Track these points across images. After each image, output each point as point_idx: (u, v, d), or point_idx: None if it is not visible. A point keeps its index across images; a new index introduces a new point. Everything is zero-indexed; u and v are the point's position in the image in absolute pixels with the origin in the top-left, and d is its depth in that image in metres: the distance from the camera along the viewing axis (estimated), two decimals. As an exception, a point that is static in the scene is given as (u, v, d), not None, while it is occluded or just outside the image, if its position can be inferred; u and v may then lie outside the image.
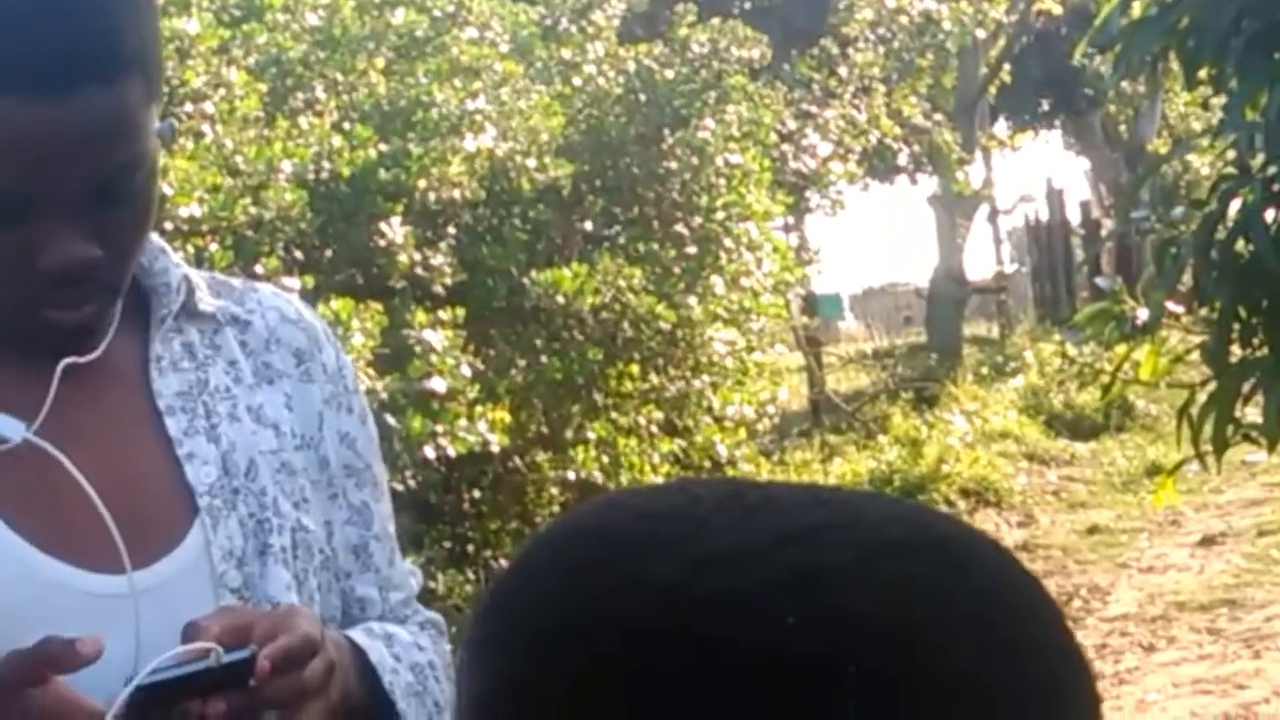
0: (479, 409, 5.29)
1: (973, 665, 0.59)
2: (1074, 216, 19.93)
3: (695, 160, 7.43)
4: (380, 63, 6.27)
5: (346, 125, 5.64)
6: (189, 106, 4.78)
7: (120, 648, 1.19)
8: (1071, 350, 10.68)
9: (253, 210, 4.48)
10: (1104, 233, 16.75)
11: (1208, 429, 2.98)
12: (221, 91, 4.94)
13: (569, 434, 6.81)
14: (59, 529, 1.23)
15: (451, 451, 5.03)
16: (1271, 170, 2.66)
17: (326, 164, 5.08)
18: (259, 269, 4.26)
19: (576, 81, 7.45)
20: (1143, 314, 3.15)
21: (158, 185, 1.28)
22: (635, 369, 7.12)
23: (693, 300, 7.22)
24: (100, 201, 1.20)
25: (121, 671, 1.16)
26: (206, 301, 1.36)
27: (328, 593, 1.34)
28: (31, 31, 1.15)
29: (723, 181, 7.56)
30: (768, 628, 0.57)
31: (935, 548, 0.62)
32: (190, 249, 4.23)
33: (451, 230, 6.12)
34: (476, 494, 6.59)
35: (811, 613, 0.58)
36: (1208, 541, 8.20)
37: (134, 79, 1.19)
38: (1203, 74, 3.03)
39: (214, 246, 4.25)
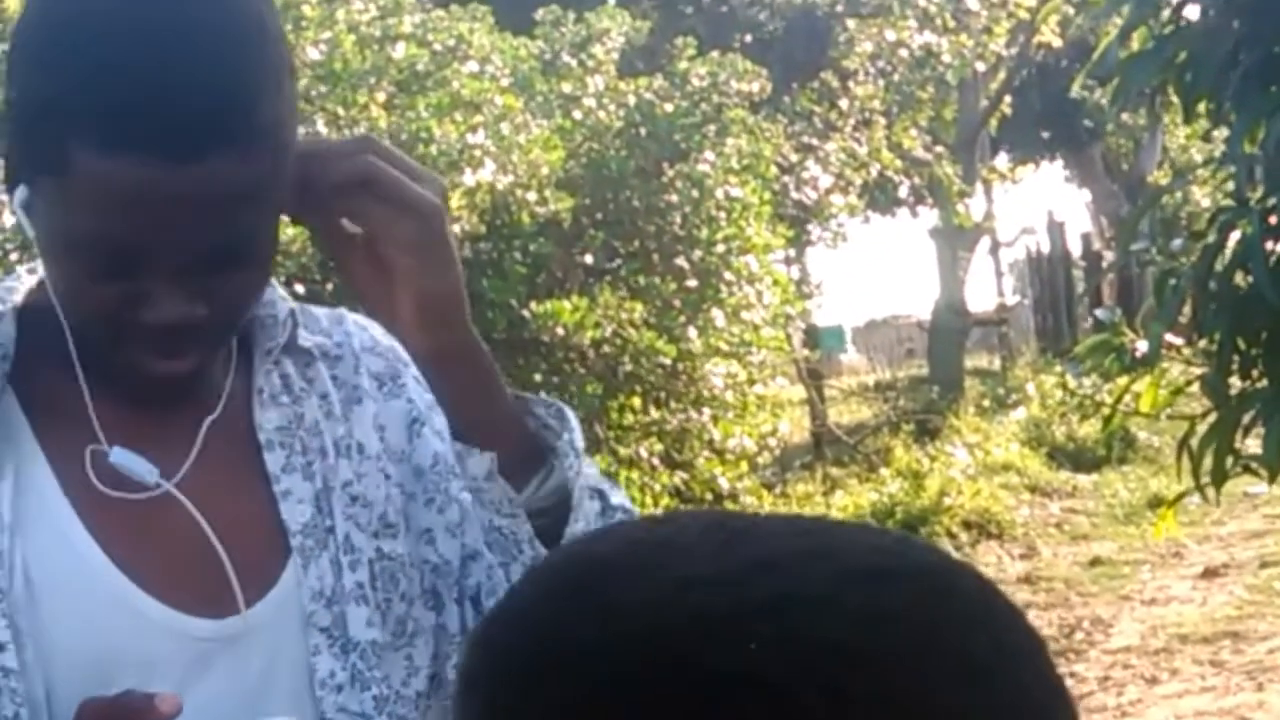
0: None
1: (950, 693, 0.59)
2: (1075, 248, 19.96)
3: (695, 193, 7.45)
4: (381, 97, 6.30)
5: (348, 159, 5.66)
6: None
7: (215, 691, 1.20)
8: (1072, 383, 10.69)
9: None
10: (1105, 265, 16.78)
11: (1208, 461, 2.98)
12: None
13: (570, 467, 6.79)
14: (162, 569, 1.23)
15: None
16: (1270, 202, 2.67)
17: (327, 197, 5.09)
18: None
19: (577, 115, 7.47)
20: (1142, 346, 3.15)
21: (275, 245, 1.26)
22: (636, 402, 7.12)
23: (693, 333, 7.23)
24: (213, 263, 1.17)
25: (214, 717, 1.17)
26: (305, 336, 1.35)
27: (427, 609, 1.32)
28: (168, 91, 1.11)
29: (723, 214, 7.58)
30: (738, 651, 0.58)
31: (914, 576, 0.62)
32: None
33: (453, 263, 6.12)
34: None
35: (781, 637, 0.58)
36: (1210, 573, 8.18)
37: (264, 149, 1.16)
38: (1201, 107, 3.04)
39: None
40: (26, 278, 1.30)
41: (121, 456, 1.23)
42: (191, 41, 1.13)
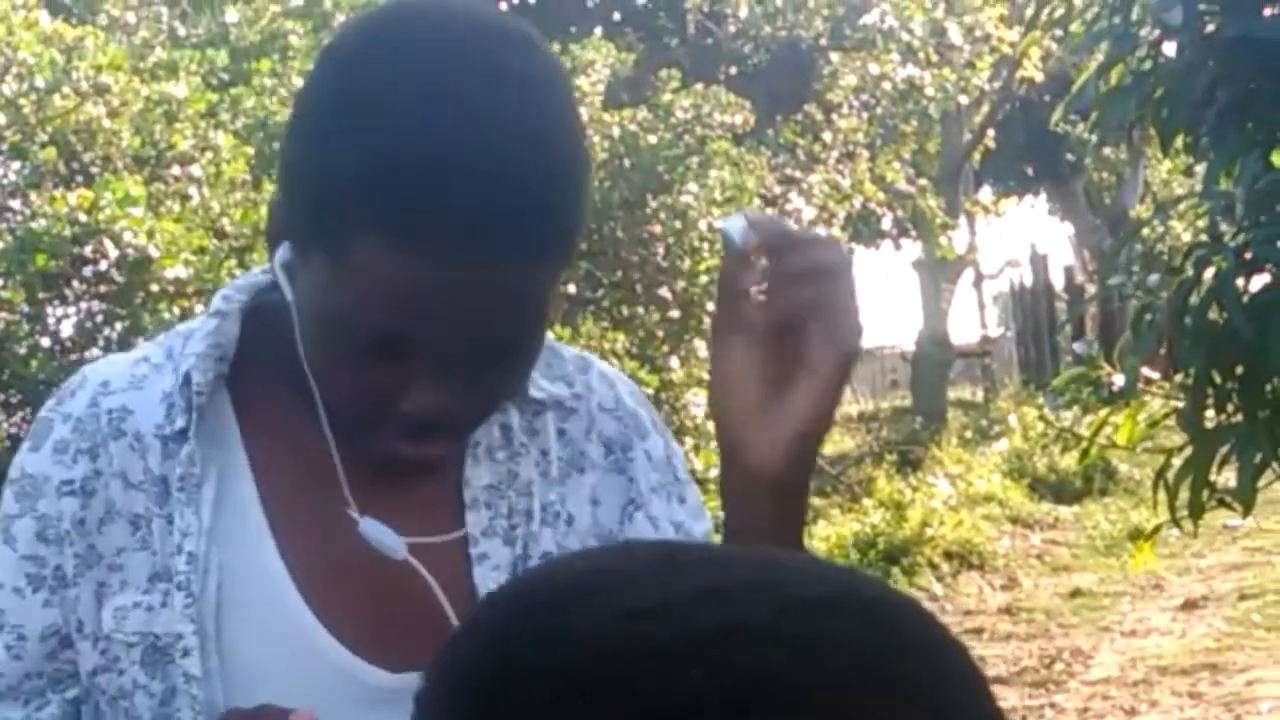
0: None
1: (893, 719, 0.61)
2: (1058, 281, 20.03)
3: (679, 224, 7.47)
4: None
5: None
6: (176, 169, 4.81)
7: None
8: (1051, 415, 10.72)
9: (238, 273, 4.50)
10: (1087, 298, 16.83)
11: (1184, 494, 3.00)
12: (209, 155, 4.98)
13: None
14: (348, 610, 1.21)
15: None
16: (1244, 238, 2.69)
17: (312, 227, 5.10)
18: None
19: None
20: (1119, 379, 3.18)
21: (544, 339, 1.19)
22: (619, 432, 7.12)
23: (675, 363, 7.25)
24: (484, 360, 1.12)
25: None
26: (537, 386, 1.29)
27: None
28: (471, 188, 1.04)
29: (706, 246, 7.60)
30: (681, 681, 0.59)
31: (859, 608, 0.63)
32: (176, 310, 4.25)
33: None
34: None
35: (723, 667, 0.59)
36: (1189, 605, 8.20)
37: (558, 259, 1.10)
38: (1179, 142, 3.07)
39: (199, 308, 4.28)
40: (259, 275, 1.26)
41: (371, 528, 1.20)
42: (503, 137, 1.05)
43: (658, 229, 7.43)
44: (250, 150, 5.35)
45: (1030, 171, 22.58)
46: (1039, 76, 14.73)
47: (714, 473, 7.52)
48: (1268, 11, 2.82)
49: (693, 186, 7.57)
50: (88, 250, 4.28)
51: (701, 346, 7.45)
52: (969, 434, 14.14)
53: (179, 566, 1.18)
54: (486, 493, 1.25)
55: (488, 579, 1.23)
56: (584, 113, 7.70)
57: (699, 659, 0.59)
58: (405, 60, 1.07)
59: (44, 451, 1.22)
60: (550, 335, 1.30)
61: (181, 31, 6.84)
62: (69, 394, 1.25)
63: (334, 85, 1.10)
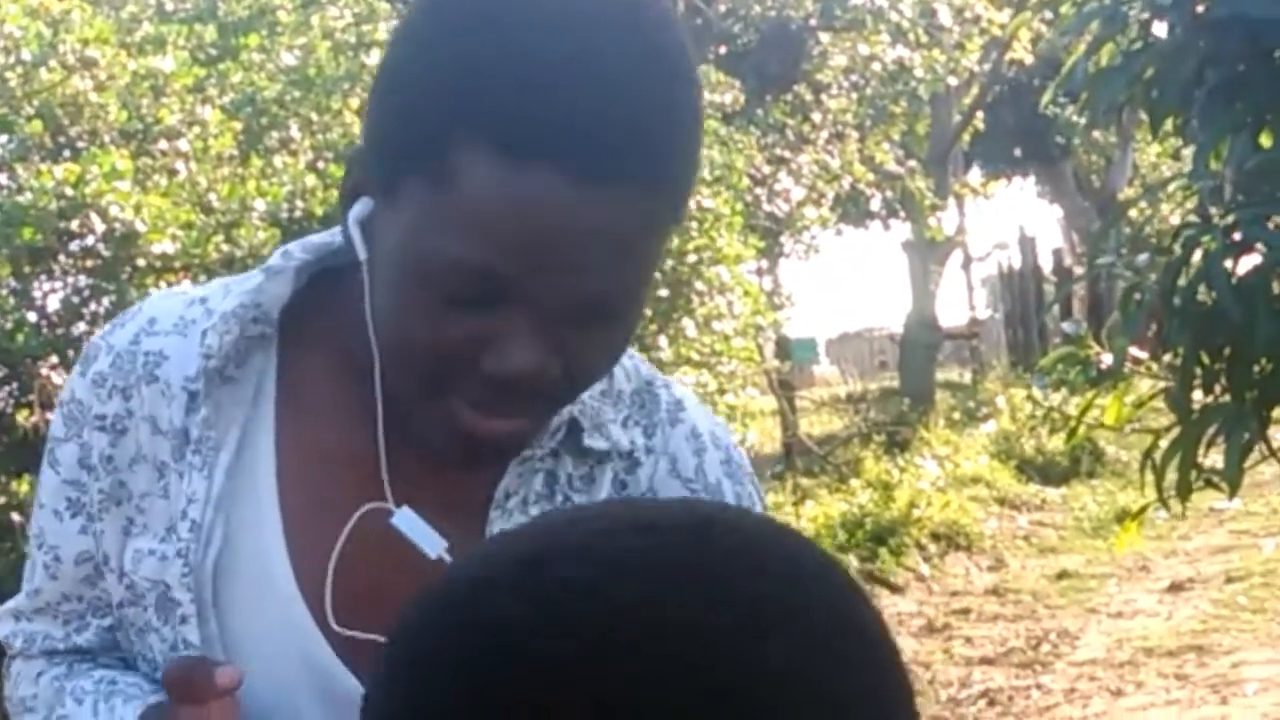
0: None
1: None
2: (1047, 264, 20.05)
3: (668, 203, 7.45)
4: (355, 103, 6.29)
5: (321, 165, 5.65)
6: (163, 144, 4.79)
7: None
8: (1039, 396, 10.73)
9: (225, 248, 4.49)
10: (1075, 279, 16.86)
11: (1172, 474, 3.00)
12: (196, 129, 4.95)
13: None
14: (344, 611, 1.16)
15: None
16: (1233, 219, 2.69)
17: (300, 203, 5.09)
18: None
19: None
20: (1107, 359, 3.18)
21: (641, 313, 1.10)
22: (607, 410, 7.11)
23: (664, 342, 7.24)
24: (585, 314, 1.03)
25: None
26: (605, 433, 1.19)
27: None
28: (590, 100, 0.97)
29: (695, 225, 7.59)
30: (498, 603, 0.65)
31: (678, 528, 0.66)
32: (163, 285, 4.23)
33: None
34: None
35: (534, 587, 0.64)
36: (1176, 587, 8.23)
37: (674, 193, 1.03)
38: (1169, 123, 3.06)
39: (186, 283, 4.26)
40: (331, 237, 1.19)
41: (407, 521, 1.13)
42: (625, 53, 0.99)
43: (647, 208, 7.40)
44: (238, 125, 5.32)
45: (1019, 153, 22.59)
46: (1029, 59, 14.71)
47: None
48: (1258, -8, 2.81)
49: (682, 165, 7.55)
50: (74, 224, 4.26)
51: (690, 326, 7.44)
52: (957, 415, 14.17)
53: (182, 533, 1.16)
54: None
55: None
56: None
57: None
58: None
59: (88, 378, 1.21)
60: (655, 370, 1.25)
61: (169, 6, 6.81)
62: (120, 324, 1.22)
63: (442, 7, 1.03)
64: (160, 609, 1.17)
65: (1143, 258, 3.07)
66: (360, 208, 1.08)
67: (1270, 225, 2.71)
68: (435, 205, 1.00)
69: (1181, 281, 2.76)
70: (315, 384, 1.17)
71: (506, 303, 1.01)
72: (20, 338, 4.11)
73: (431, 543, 1.12)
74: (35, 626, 1.27)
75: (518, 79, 0.97)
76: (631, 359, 1.23)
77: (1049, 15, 3.79)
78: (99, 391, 1.20)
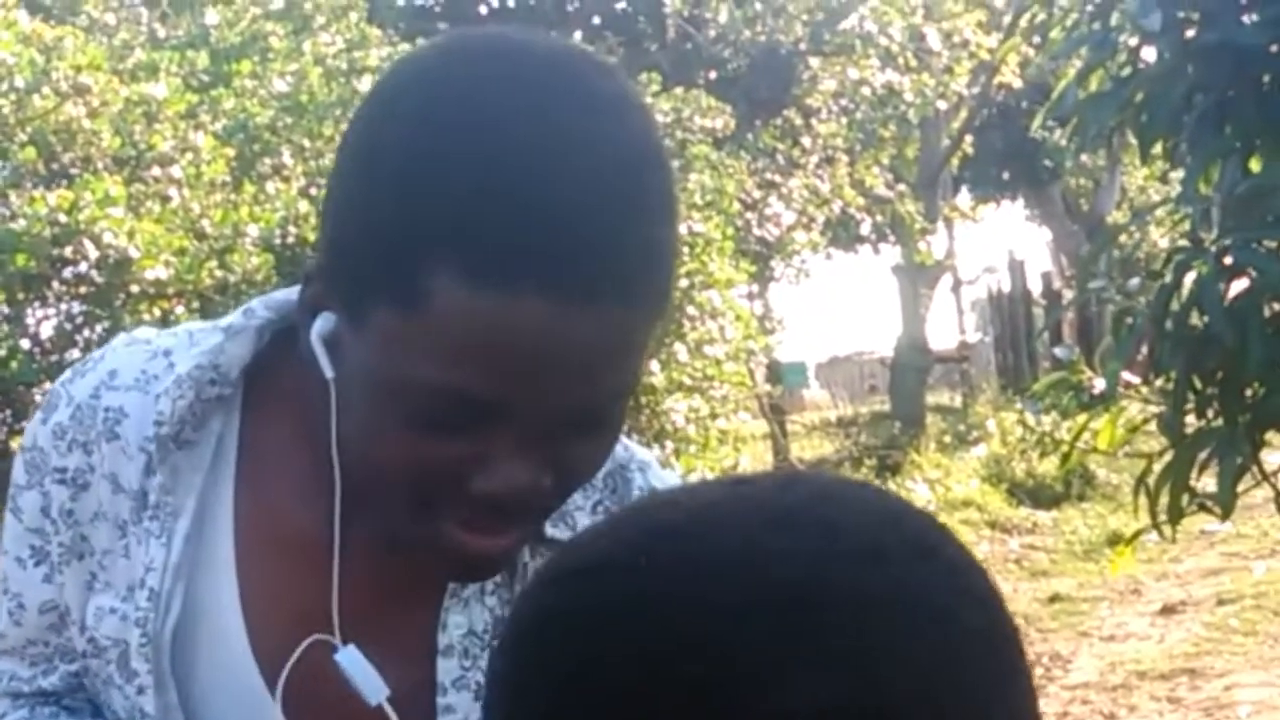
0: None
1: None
2: (1036, 287, 20.09)
3: (659, 228, 7.47)
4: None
5: (313, 190, 5.67)
6: (156, 170, 4.80)
7: None
8: (1031, 420, 10.75)
9: (219, 274, 4.49)
10: (1065, 303, 16.91)
11: (1165, 498, 3.01)
12: (189, 156, 4.97)
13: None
14: (306, 706, 1.13)
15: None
16: (1224, 243, 2.71)
17: (293, 229, 5.10)
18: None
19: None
20: (1100, 384, 3.19)
21: (622, 420, 1.06)
22: (599, 435, 7.11)
23: (655, 367, 7.25)
24: (569, 429, 1.00)
25: None
26: (561, 528, 1.16)
27: None
28: (567, 218, 0.93)
29: (686, 249, 7.61)
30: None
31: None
32: (156, 311, 4.24)
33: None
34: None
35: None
36: (1168, 610, 8.23)
37: (659, 305, 1.00)
38: (1158, 148, 3.08)
39: (180, 309, 4.27)
40: (280, 296, 1.16)
41: (351, 661, 1.10)
42: (605, 167, 0.95)
43: (638, 233, 7.42)
44: (231, 151, 5.34)
45: (1008, 177, 22.65)
46: (1017, 83, 14.78)
47: (693, 476, 7.53)
48: (1246, 18, 2.83)
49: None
50: (67, 251, 4.26)
51: (682, 350, 7.45)
52: (947, 439, 14.18)
53: (140, 601, 1.13)
54: (466, 640, 1.13)
55: None
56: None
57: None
58: (490, 87, 0.96)
59: (49, 427, 1.17)
60: (635, 449, 1.22)
61: (161, 33, 6.82)
62: (81, 372, 1.18)
63: (404, 121, 0.97)
64: (121, 667, 1.15)
65: (1134, 282, 3.09)
66: (323, 323, 1.03)
67: (1261, 250, 2.72)
68: (407, 331, 0.96)
69: (1173, 305, 2.77)
70: (276, 448, 1.14)
71: (491, 423, 0.97)
72: (14, 365, 4.11)
73: (374, 687, 1.09)
74: (2, 666, 1.25)
75: (488, 199, 0.93)
76: None
77: (1037, 40, 3.81)
78: (59, 444, 1.16)
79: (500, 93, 0.95)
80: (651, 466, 1.22)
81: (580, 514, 1.16)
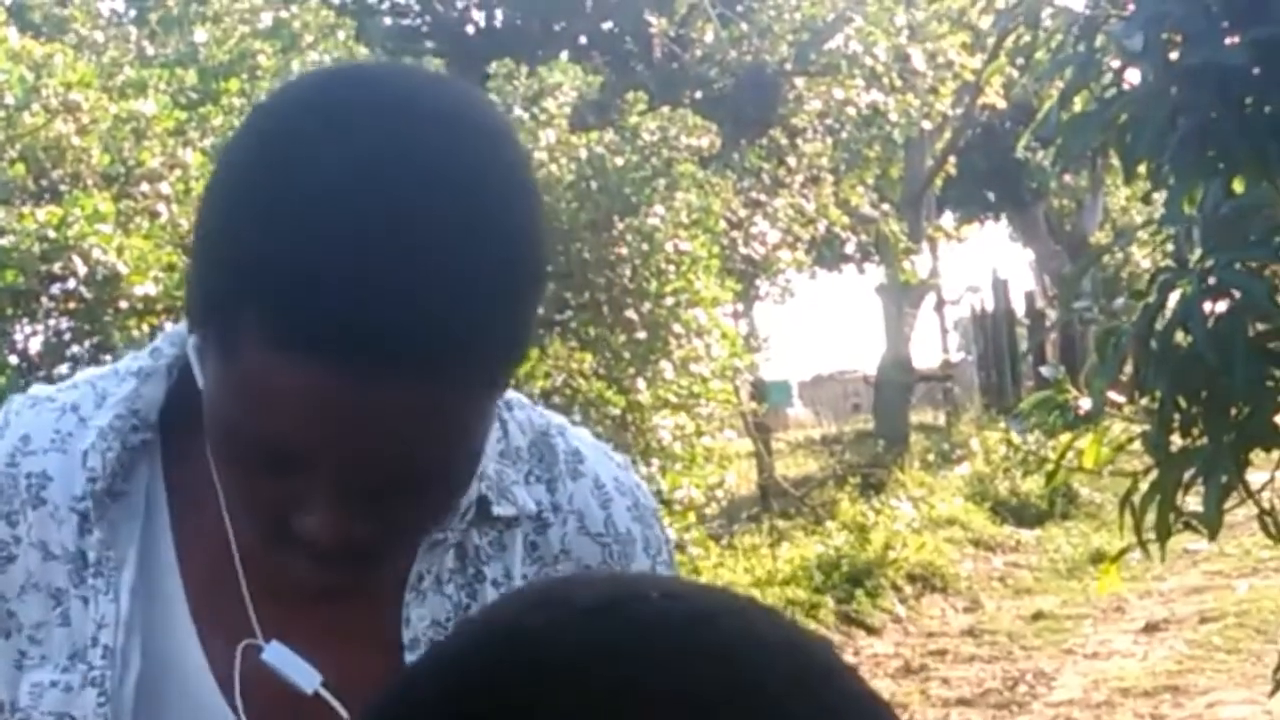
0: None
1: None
2: (1019, 307, 20.15)
3: (645, 246, 7.50)
4: (335, 147, 6.32)
5: (300, 208, 5.67)
6: (145, 186, 4.81)
7: None
8: (1016, 438, 10.78)
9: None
10: (1048, 323, 16.95)
11: (1150, 517, 3.02)
12: (178, 172, 4.98)
13: (518, 517, 6.80)
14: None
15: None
16: (1208, 264, 2.73)
17: (280, 246, 5.11)
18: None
19: (529, 168, 7.51)
20: (1085, 403, 3.21)
21: (474, 471, 1.06)
22: (585, 453, 7.12)
23: (641, 384, 7.27)
24: (384, 489, 0.99)
25: None
26: (509, 497, 1.15)
27: None
28: (362, 288, 0.91)
29: (672, 268, 7.63)
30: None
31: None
32: (145, 328, 4.24)
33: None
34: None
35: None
36: (1151, 628, 8.26)
37: (473, 378, 0.97)
38: (1141, 169, 3.11)
39: (169, 325, 4.28)
40: (183, 330, 1.13)
41: (278, 655, 1.09)
42: (424, 249, 0.93)
43: (624, 251, 7.46)
44: (219, 169, 5.36)
45: (991, 197, 22.72)
46: (1001, 104, 14.84)
47: (679, 493, 7.55)
48: (1229, 40, 2.86)
49: (659, 209, 7.60)
50: (56, 267, 4.27)
51: (668, 367, 7.47)
52: (931, 457, 14.21)
53: (94, 660, 1.09)
54: (431, 629, 1.11)
55: None
56: (551, 135, 7.73)
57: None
58: (313, 146, 0.95)
59: None
60: (549, 415, 1.21)
61: (150, 51, 6.83)
62: None
63: (238, 164, 0.99)
64: None
65: (1118, 301, 3.11)
66: (195, 339, 1.04)
67: (1244, 270, 2.75)
68: (224, 373, 0.98)
69: (1158, 325, 2.79)
70: (203, 484, 1.11)
71: (301, 472, 0.98)
72: (1, 381, 4.11)
73: (305, 677, 1.08)
74: None
75: (298, 269, 0.92)
76: (524, 409, 1.19)
77: (1022, 61, 3.84)
78: None
79: (334, 159, 0.94)
80: (568, 428, 1.21)
81: (518, 489, 1.15)
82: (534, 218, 1.00)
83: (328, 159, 0.94)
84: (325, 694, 1.08)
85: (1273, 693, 3.32)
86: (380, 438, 0.95)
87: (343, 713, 1.08)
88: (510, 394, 1.17)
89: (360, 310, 0.92)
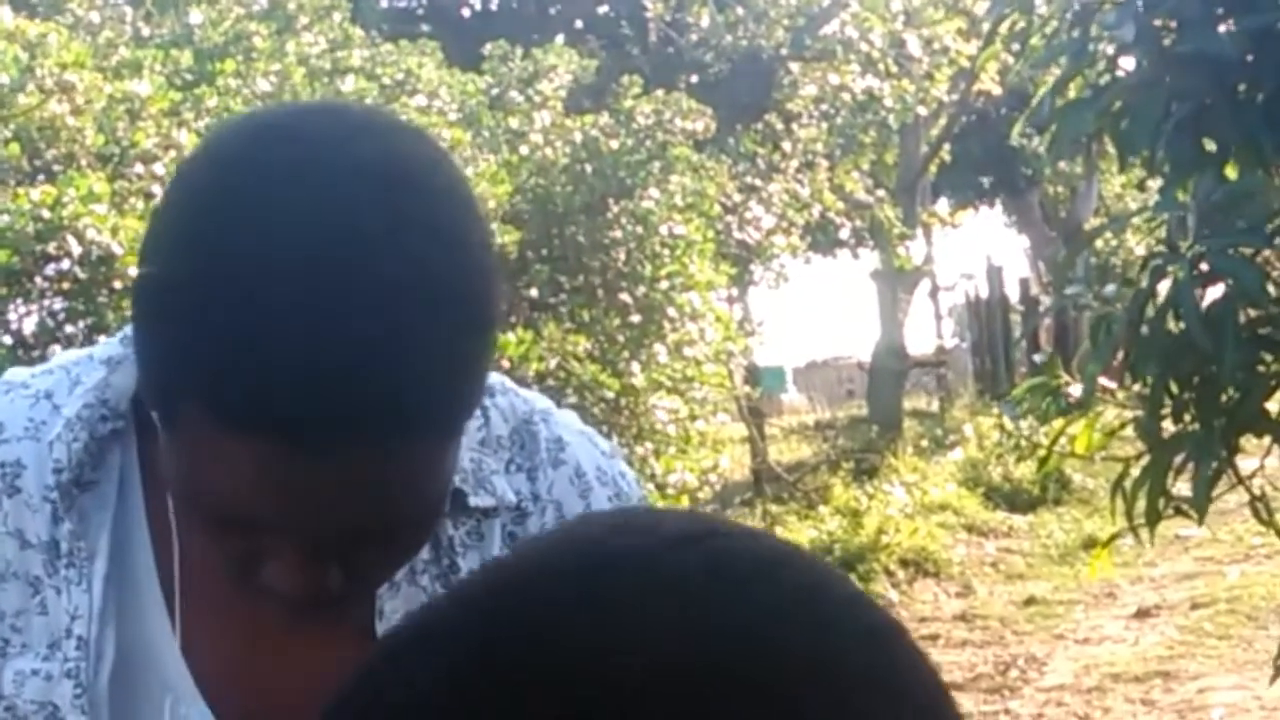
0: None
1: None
2: (1013, 293, 20.17)
3: (640, 230, 7.51)
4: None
5: (295, 190, 5.67)
6: (139, 167, 4.81)
7: None
8: (1009, 424, 10.79)
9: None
10: (1042, 309, 16.97)
11: (1141, 502, 3.04)
12: (172, 153, 4.97)
13: (511, 500, 6.82)
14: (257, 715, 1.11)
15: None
16: (1200, 250, 2.74)
17: (275, 228, 5.11)
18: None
19: (523, 150, 7.53)
20: (1077, 389, 3.22)
21: (439, 513, 1.04)
22: (578, 436, 7.13)
23: (636, 368, 7.28)
24: (347, 546, 0.98)
25: None
26: (488, 487, 1.14)
27: None
28: (319, 374, 0.89)
29: (667, 251, 7.64)
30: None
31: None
32: (139, 310, 4.25)
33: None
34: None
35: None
36: (1142, 614, 8.29)
37: (425, 444, 0.96)
38: (1136, 156, 3.11)
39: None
40: None
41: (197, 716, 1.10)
42: (345, 315, 0.90)
43: (619, 234, 7.46)
44: (213, 151, 5.36)
45: (986, 184, 22.73)
46: (996, 90, 14.84)
47: (673, 477, 7.56)
48: (1222, 28, 2.87)
49: (654, 192, 7.60)
50: (50, 247, 4.27)
51: (662, 351, 7.48)
52: (924, 443, 14.23)
53: (69, 651, 1.09)
54: None
55: None
56: (546, 117, 7.73)
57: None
58: (251, 205, 0.92)
59: None
60: (534, 400, 1.19)
61: (145, 32, 6.82)
62: None
63: (177, 235, 0.95)
64: None
65: (1110, 288, 3.12)
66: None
67: (1236, 256, 2.76)
68: (170, 442, 0.97)
69: (1150, 311, 2.80)
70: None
71: (260, 532, 0.97)
72: (-4, 361, 4.11)
73: None
74: None
75: (240, 346, 0.90)
76: (506, 395, 1.17)
77: (1017, 48, 3.84)
78: None
79: (276, 227, 0.91)
80: (552, 414, 1.20)
81: (497, 478, 1.15)
82: (484, 271, 0.97)
83: (251, 235, 0.91)
84: None
85: (1274, 679, 3.33)
86: (341, 503, 0.94)
87: None
88: (494, 378, 1.15)
89: (308, 388, 0.89)
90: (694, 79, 12.82)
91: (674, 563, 0.56)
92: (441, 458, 0.99)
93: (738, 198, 11.35)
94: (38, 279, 4.37)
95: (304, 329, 0.90)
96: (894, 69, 13.63)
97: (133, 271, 4.33)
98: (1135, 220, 3.22)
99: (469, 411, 0.99)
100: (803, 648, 0.56)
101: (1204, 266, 2.72)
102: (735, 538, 0.60)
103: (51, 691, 1.09)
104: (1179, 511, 3.06)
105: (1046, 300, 16.81)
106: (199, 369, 0.92)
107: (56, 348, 4.36)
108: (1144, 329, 2.83)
